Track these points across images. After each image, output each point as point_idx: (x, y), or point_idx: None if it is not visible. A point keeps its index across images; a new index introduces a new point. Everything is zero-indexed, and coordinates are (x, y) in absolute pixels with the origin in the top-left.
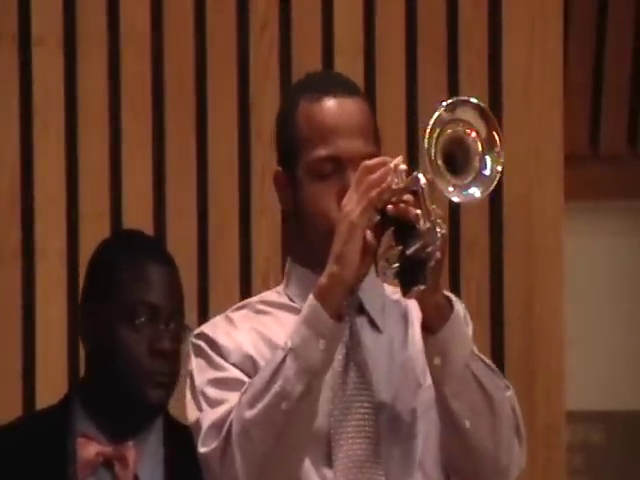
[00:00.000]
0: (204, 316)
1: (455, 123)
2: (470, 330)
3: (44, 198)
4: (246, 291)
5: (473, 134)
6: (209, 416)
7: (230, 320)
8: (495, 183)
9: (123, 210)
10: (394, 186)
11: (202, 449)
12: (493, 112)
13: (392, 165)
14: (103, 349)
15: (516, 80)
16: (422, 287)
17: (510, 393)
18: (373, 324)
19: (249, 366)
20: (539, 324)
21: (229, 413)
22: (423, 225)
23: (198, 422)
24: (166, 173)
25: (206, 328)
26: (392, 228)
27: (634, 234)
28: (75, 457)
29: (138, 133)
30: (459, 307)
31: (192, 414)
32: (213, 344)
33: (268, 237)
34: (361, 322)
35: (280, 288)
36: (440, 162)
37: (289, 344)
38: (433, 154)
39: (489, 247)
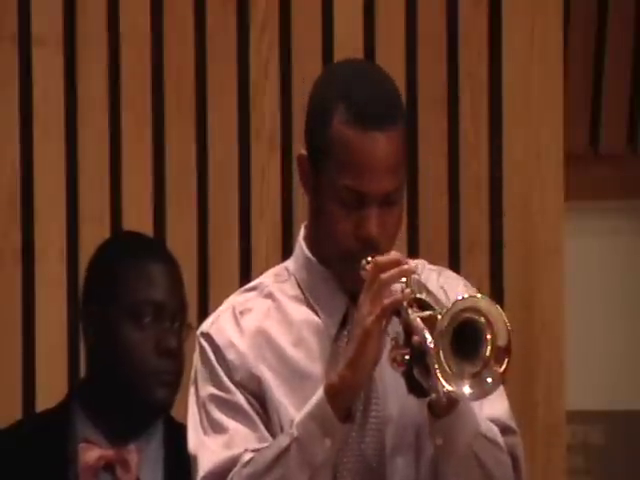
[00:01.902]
0: (204, 316)
1: (478, 313)
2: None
3: (44, 198)
4: None
5: (489, 336)
6: (209, 458)
7: (237, 319)
8: (485, 395)
9: (123, 210)
10: (405, 302)
11: None
12: (493, 112)
13: (405, 269)
14: (108, 350)
15: (516, 81)
16: (427, 398)
17: (514, 440)
18: None
19: (253, 385)
20: (539, 324)
21: (229, 465)
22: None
23: (196, 458)
24: (166, 173)
25: (212, 329)
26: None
27: (634, 234)
28: (76, 461)
29: (138, 133)
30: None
31: (192, 432)
32: (219, 355)
33: (268, 237)
34: None
35: (290, 264)
36: (447, 340)
37: (295, 433)
38: (440, 331)
39: (489, 247)
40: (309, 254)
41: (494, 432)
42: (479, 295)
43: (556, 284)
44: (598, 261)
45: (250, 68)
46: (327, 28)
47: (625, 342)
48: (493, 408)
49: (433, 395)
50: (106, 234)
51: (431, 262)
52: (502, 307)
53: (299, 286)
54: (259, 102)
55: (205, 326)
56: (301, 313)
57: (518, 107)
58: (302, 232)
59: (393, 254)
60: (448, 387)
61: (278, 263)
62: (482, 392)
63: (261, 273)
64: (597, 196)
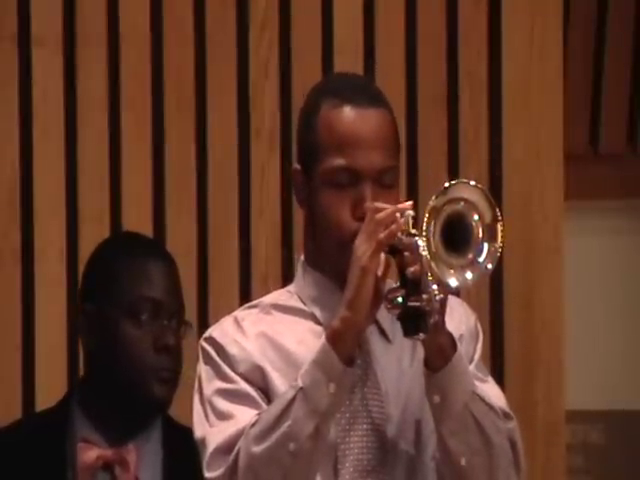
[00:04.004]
0: (204, 316)
1: (457, 201)
2: (480, 343)
3: (44, 198)
4: (246, 291)
5: (476, 217)
6: (215, 436)
7: (239, 324)
8: (486, 275)
9: (123, 210)
10: (400, 234)
11: (208, 474)
12: (493, 111)
13: (400, 207)
14: (106, 348)
15: (516, 80)
16: (422, 336)
17: (511, 424)
18: (383, 333)
19: (258, 377)
20: (539, 324)
21: (236, 437)
22: (423, 285)
23: (204, 441)
24: (166, 173)
25: (215, 332)
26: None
27: (634, 234)
28: (74, 461)
29: (138, 133)
30: (461, 348)
31: (198, 426)
32: (222, 352)
33: (268, 237)
34: (371, 331)
35: (291, 287)
36: (439, 242)
37: (300, 383)
38: (432, 236)
39: None
40: (310, 268)
41: (492, 400)
42: (454, 182)
43: (556, 284)
44: (598, 261)
45: (250, 68)
46: (327, 28)
47: (625, 342)
48: (490, 396)
49: (430, 332)
50: (106, 234)
51: None
52: (502, 307)
53: (301, 301)
54: (259, 102)
55: (207, 333)
56: (303, 323)
57: (518, 106)
58: (300, 257)
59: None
60: (449, 280)
61: (278, 263)
62: (480, 271)
63: (261, 273)
64: (597, 196)
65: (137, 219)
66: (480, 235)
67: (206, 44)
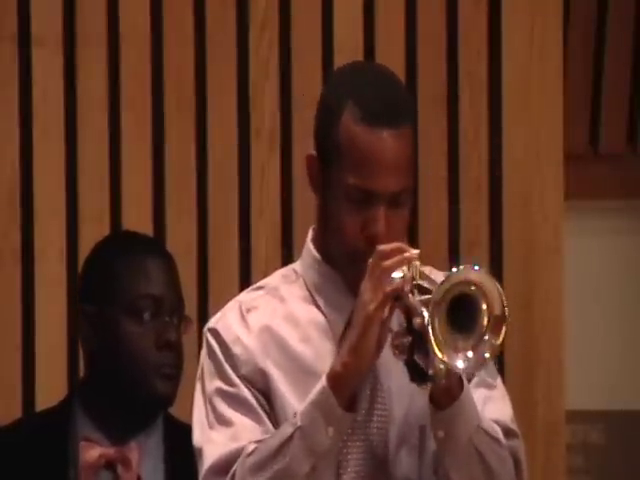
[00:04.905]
0: (204, 316)
1: (472, 285)
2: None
3: (44, 198)
4: None
5: (484, 306)
6: (212, 451)
7: (243, 316)
8: (478, 369)
9: (123, 210)
10: (405, 288)
11: None
12: (493, 111)
13: (407, 256)
14: (108, 348)
15: (516, 80)
16: (429, 385)
17: (515, 443)
18: None
19: (259, 379)
20: (539, 324)
21: (233, 458)
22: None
23: (201, 452)
24: (166, 173)
25: (219, 325)
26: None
27: (634, 234)
28: (76, 460)
29: (138, 133)
30: (469, 388)
31: (197, 425)
32: (225, 350)
33: (268, 237)
34: None
35: (297, 266)
36: (443, 316)
37: (298, 422)
38: (438, 312)
39: (489, 247)
40: (317, 255)
41: (496, 430)
42: (470, 266)
43: (556, 284)
44: (598, 261)
45: (250, 68)
46: (327, 28)
47: (624, 342)
48: (496, 411)
49: (434, 380)
50: (106, 233)
51: (431, 262)
52: None
53: (307, 287)
54: (259, 102)
55: (211, 323)
56: (308, 312)
57: (518, 106)
58: (310, 234)
59: (396, 243)
60: (446, 360)
61: (278, 263)
62: (479, 364)
63: (261, 272)
64: (597, 196)
65: (137, 219)
66: (485, 324)
67: (206, 44)
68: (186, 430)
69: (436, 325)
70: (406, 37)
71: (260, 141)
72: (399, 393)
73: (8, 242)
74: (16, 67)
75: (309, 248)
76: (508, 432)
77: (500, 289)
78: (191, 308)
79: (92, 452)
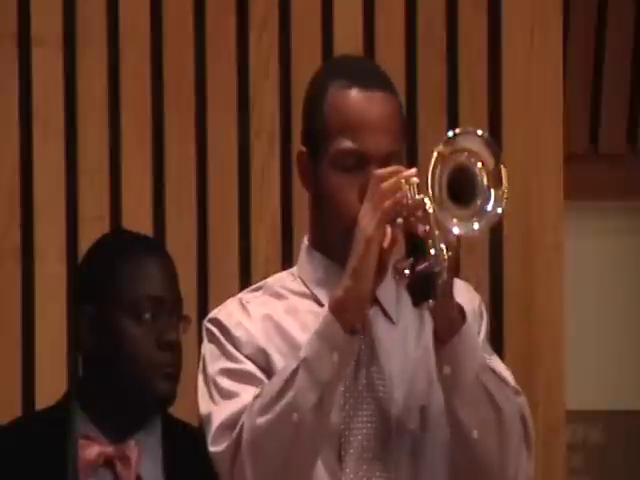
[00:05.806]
0: (204, 316)
1: (461, 152)
2: (485, 324)
3: (44, 198)
4: None
5: (479, 164)
6: (220, 413)
7: (243, 306)
8: (494, 222)
9: (123, 210)
10: (405, 201)
11: (212, 448)
12: (493, 112)
13: (405, 174)
14: (108, 348)
15: (516, 80)
16: (431, 302)
17: (521, 399)
18: (386, 314)
19: (262, 359)
20: (539, 324)
21: (240, 413)
22: (430, 245)
23: (209, 417)
24: (166, 173)
25: (220, 314)
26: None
27: (634, 234)
28: (75, 458)
29: (138, 133)
30: (471, 318)
31: (203, 404)
32: (227, 333)
33: (268, 237)
34: (374, 312)
35: (294, 270)
36: (445, 195)
37: (302, 355)
38: (437, 188)
39: (489, 247)
40: (315, 252)
41: (503, 375)
42: (457, 132)
43: (556, 284)
44: (598, 261)
45: (250, 68)
46: (327, 28)
47: (625, 341)
48: (499, 367)
49: (439, 298)
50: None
51: None
52: (502, 307)
53: (305, 285)
54: (259, 102)
55: (212, 314)
56: (306, 305)
57: (518, 107)
58: (304, 240)
59: (394, 167)
60: (457, 230)
61: (278, 263)
62: (488, 219)
63: (261, 273)
64: (597, 196)
65: (137, 219)
66: (485, 182)
67: (206, 44)
68: (185, 428)
69: (439, 198)
70: (406, 37)
71: (260, 141)
72: (400, 377)
73: (8, 242)
74: (16, 67)
75: (305, 248)
76: (511, 389)
77: (489, 141)
78: (191, 308)
79: (91, 450)
